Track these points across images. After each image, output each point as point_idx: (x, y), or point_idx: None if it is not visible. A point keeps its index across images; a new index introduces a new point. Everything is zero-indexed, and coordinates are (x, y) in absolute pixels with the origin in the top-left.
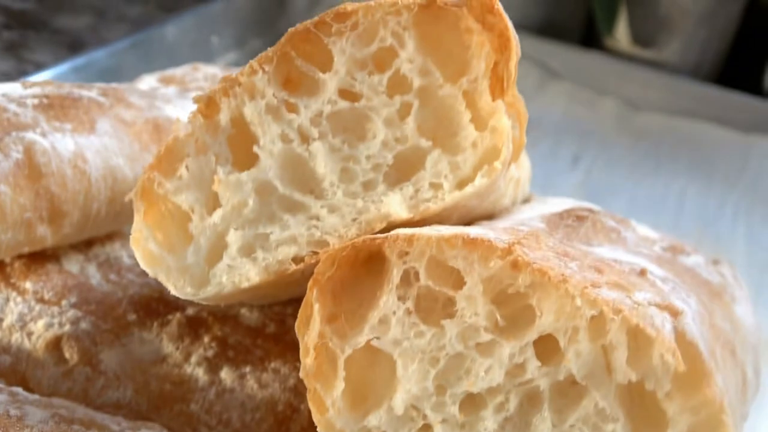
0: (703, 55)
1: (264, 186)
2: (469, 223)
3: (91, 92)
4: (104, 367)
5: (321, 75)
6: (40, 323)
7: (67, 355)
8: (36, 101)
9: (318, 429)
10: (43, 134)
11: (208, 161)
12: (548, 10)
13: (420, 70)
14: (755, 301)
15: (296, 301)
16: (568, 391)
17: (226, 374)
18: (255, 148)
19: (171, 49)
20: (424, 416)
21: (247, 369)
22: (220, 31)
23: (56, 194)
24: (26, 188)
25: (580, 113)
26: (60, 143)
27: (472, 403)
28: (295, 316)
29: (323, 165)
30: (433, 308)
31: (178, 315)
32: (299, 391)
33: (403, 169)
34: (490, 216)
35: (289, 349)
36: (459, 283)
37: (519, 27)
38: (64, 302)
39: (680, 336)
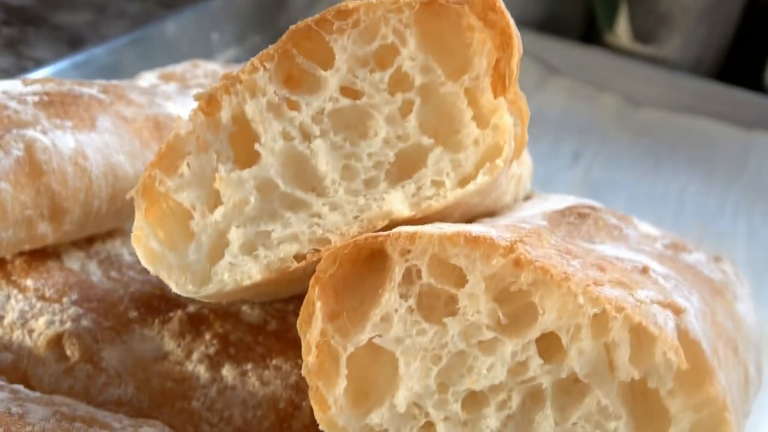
0: (704, 51)
1: (265, 184)
2: (470, 220)
3: (92, 89)
4: (105, 364)
5: (322, 72)
6: (41, 320)
7: (68, 352)
8: (36, 98)
9: (320, 427)
10: (44, 132)
11: (209, 159)
12: (548, 6)
13: (422, 67)
14: (756, 297)
15: (297, 298)
16: (571, 389)
17: (227, 371)
18: (256, 146)
19: (171, 46)
20: (427, 414)
21: (249, 366)
22: (219, 28)
23: (57, 192)
24: (27, 186)
25: (580, 109)
26: (61, 140)
27: (474, 400)
28: (296, 313)
29: (325, 163)
30: (436, 306)
31: (179, 312)
32: (301, 388)
33: (404, 167)
34: (491, 213)
35: (291, 346)
36: (461, 280)
37: (519, 23)
38: (65, 299)
39: (683, 334)
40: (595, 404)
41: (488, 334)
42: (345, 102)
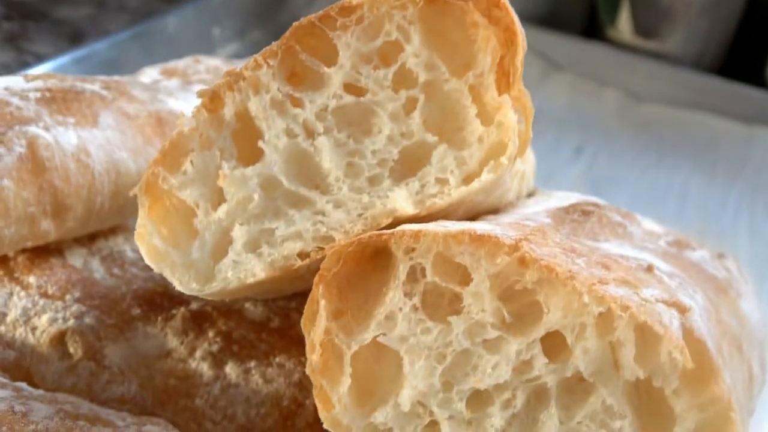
0: (706, 46)
1: (269, 181)
2: (474, 217)
3: (94, 85)
4: (108, 362)
5: (326, 69)
6: (44, 318)
7: (71, 350)
8: (38, 95)
9: (324, 426)
10: (46, 128)
11: (212, 156)
12: (550, 0)
13: (426, 64)
14: (759, 292)
15: (301, 295)
16: (576, 388)
17: (230, 369)
18: (260, 143)
19: (172, 41)
20: (431, 413)
21: (252, 364)
22: (221, 23)
23: (60, 188)
24: (30, 182)
25: (582, 105)
26: (63, 137)
27: (478, 399)
28: (299, 310)
29: (329, 160)
30: (440, 304)
31: (182, 309)
32: (304, 385)
33: (408, 165)
34: (495, 210)
35: (294, 343)
36: (466, 279)
37: (521, 18)
38: (68, 297)
39: (688, 333)
40: (600, 403)
41: (493, 333)
42: (349, 99)
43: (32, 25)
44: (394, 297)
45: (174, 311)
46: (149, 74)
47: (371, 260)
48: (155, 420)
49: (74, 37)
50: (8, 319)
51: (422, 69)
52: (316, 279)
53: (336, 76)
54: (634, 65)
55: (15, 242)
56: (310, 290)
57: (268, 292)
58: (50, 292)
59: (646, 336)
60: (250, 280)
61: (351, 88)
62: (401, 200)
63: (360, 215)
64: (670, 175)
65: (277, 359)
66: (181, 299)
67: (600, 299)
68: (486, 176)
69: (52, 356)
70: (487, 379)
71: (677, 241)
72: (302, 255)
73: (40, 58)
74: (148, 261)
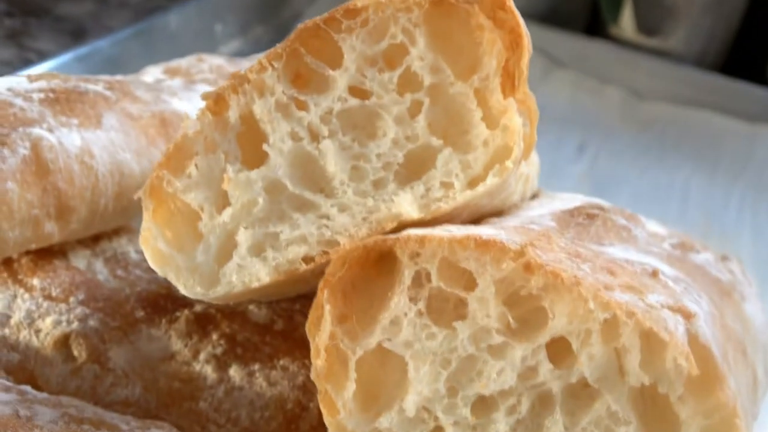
0: (708, 44)
1: (274, 184)
2: (478, 220)
3: (97, 86)
4: (113, 364)
5: (331, 72)
6: (48, 320)
7: (75, 352)
8: (42, 95)
9: (329, 431)
10: (50, 129)
11: (217, 159)
12: None
13: (431, 67)
14: (761, 292)
15: (304, 297)
16: (581, 394)
17: (234, 372)
18: (265, 146)
19: (174, 38)
20: (436, 418)
21: (256, 367)
22: (223, 19)
23: (63, 190)
24: (33, 185)
25: (584, 102)
26: (67, 138)
27: (483, 405)
28: (302, 312)
29: (333, 163)
30: (445, 309)
31: (186, 312)
32: (308, 388)
33: (413, 168)
34: (499, 213)
35: (298, 346)
36: (471, 284)
37: (523, 15)
38: (71, 299)
39: (693, 339)
40: (605, 409)
41: (498, 339)
42: (353, 102)
43: (34, 21)
44: (399, 302)
45: (178, 313)
46: (152, 73)
47: (376, 264)
48: (159, 423)
49: (76, 34)
50: (12, 321)
51: (427, 72)
52: (321, 284)
53: (341, 79)
54: (636, 63)
55: (19, 244)
56: (314, 292)
57: (272, 295)
58: (54, 294)
59: (651, 342)
60: (255, 284)
61: (356, 91)
62: (406, 204)
63: (365, 219)
64: (673, 173)
65: (281, 362)
66: (185, 301)
67: (605, 305)
68: (491, 180)
69: (56, 359)
70: (492, 384)
71: (681, 244)
72: (307, 259)
73: (42, 55)
74: (152, 265)
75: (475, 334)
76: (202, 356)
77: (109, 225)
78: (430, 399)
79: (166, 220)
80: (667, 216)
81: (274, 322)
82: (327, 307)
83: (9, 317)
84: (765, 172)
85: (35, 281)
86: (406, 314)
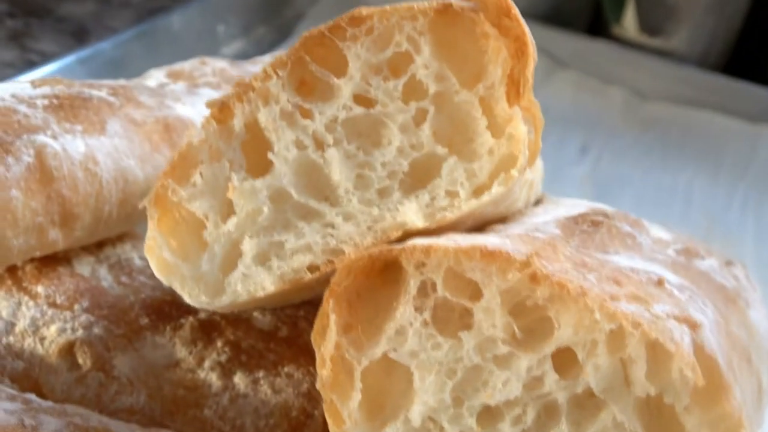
0: (711, 43)
1: (278, 193)
2: (482, 226)
3: (101, 91)
4: (117, 372)
5: (335, 80)
6: (53, 328)
7: (80, 360)
8: (46, 102)
9: None
10: (54, 136)
11: (222, 168)
12: None
13: (436, 75)
14: (765, 295)
15: (309, 304)
16: (586, 404)
17: (239, 379)
18: (269, 155)
19: (177, 39)
20: (441, 428)
21: (261, 374)
22: (225, 20)
23: (68, 197)
24: (38, 192)
25: (587, 103)
26: (71, 145)
27: (489, 415)
28: (307, 319)
29: (338, 172)
30: (450, 319)
31: (190, 318)
32: (313, 396)
33: (418, 177)
34: (503, 219)
35: (302, 353)
36: (476, 294)
37: (525, 15)
38: (76, 306)
39: (699, 349)
40: (611, 419)
41: (504, 349)
42: (358, 110)
43: (36, 22)
44: (404, 312)
45: (182, 320)
46: (155, 77)
47: (381, 274)
48: (164, 431)
49: (78, 34)
50: (17, 329)
51: (432, 80)
52: (326, 293)
53: (346, 87)
54: (639, 63)
55: (23, 252)
56: (318, 298)
57: (276, 303)
58: (58, 301)
59: (657, 353)
60: (260, 293)
61: (361, 99)
62: (411, 213)
63: (370, 228)
64: (676, 173)
65: (286, 369)
66: (189, 308)
67: (611, 316)
68: (496, 189)
69: (61, 367)
70: (497, 395)
71: (686, 250)
72: (312, 268)
73: (44, 56)
74: (157, 274)
75: (481, 344)
76: (206, 363)
77: (113, 231)
78: (435, 409)
79: (171, 230)
80: (670, 217)
81: (278, 329)
82: (332, 317)
83: (14, 325)
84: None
85: (40, 288)
86: (411, 324)
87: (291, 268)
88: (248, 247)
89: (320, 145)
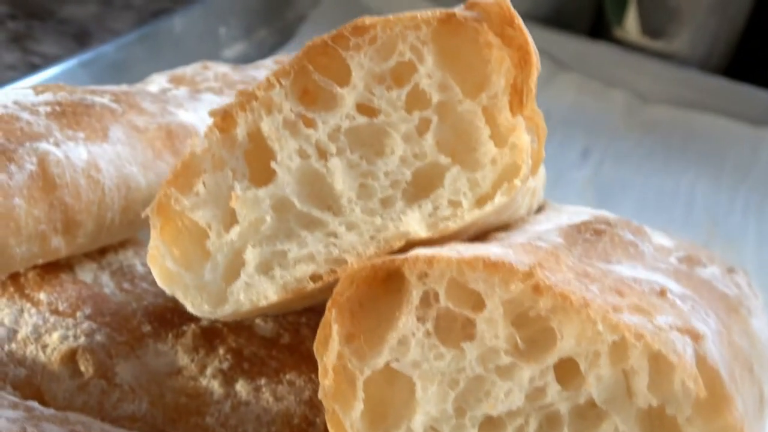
0: (713, 46)
1: (281, 202)
2: (484, 234)
3: (104, 98)
4: (119, 379)
5: (339, 89)
6: (55, 335)
7: (82, 368)
8: (48, 109)
9: None
10: (57, 144)
11: (225, 177)
12: (557, 0)
13: (439, 85)
14: (767, 301)
15: (311, 310)
16: (588, 414)
17: (241, 387)
18: (272, 164)
19: (179, 42)
20: None
21: (263, 381)
22: (227, 22)
23: (70, 205)
24: (40, 200)
25: (588, 105)
26: (73, 152)
27: (491, 425)
28: (309, 326)
29: (341, 181)
30: (453, 330)
31: (192, 326)
32: (315, 404)
33: (421, 186)
34: (505, 227)
35: (304, 360)
36: (479, 305)
37: (526, 17)
38: (78, 314)
39: (701, 360)
40: (613, 430)
41: (506, 359)
42: (361, 120)
43: (37, 24)
44: (407, 322)
45: (185, 327)
46: (157, 82)
47: (384, 283)
48: None
49: (80, 37)
50: (19, 336)
51: (435, 90)
52: (329, 303)
53: (349, 97)
54: (641, 66)
55: (26, 260)
56: (321, 305)
57: (278, 311)
58: (61, 308)
59: (659, 364)
60: (263, 302)
61: (364, 108)
62: (414, 223)
63: (372, 237)
64: (678, 176)
65: (288, 376)
66: (191, 315)
67: (614, 327)
68: (499, 199)
69: (63, 374)
70: (500, 405)
71: (688, 257)
72: (315, 277)
73: (46, 59)
74: (160, 283)
75: (483, 354)
76: (208, 371)
77: (116, 238)
78: (437, 419)
79: (174, 238)
80: (672, 220)
81: (280, 336)
82: (335, 327)
83: (16, 332)
84: None
85: (42, 295)
86: (414, 334)
87: (294, 278)
88: (251, 256)
89: (323, 155)
